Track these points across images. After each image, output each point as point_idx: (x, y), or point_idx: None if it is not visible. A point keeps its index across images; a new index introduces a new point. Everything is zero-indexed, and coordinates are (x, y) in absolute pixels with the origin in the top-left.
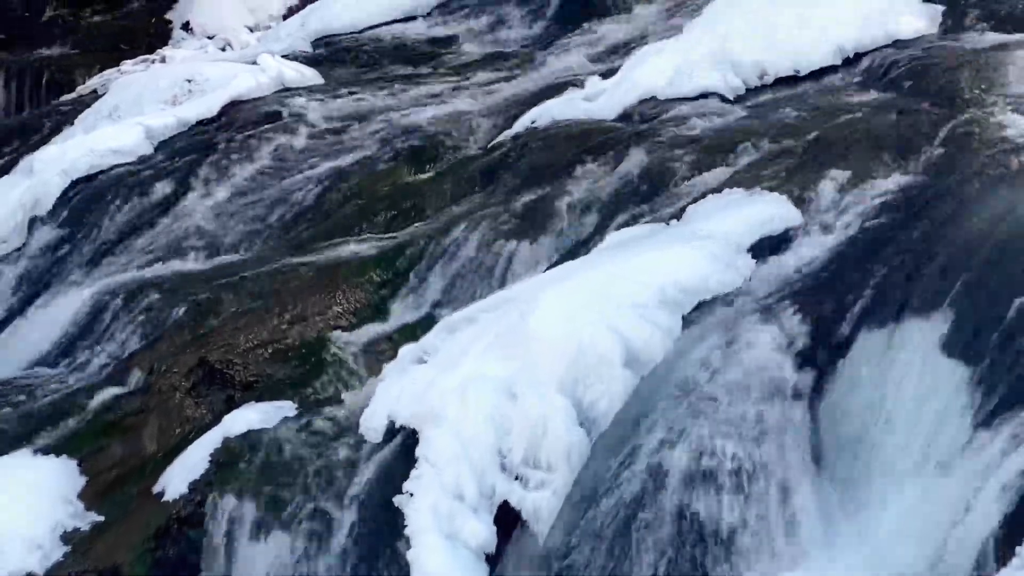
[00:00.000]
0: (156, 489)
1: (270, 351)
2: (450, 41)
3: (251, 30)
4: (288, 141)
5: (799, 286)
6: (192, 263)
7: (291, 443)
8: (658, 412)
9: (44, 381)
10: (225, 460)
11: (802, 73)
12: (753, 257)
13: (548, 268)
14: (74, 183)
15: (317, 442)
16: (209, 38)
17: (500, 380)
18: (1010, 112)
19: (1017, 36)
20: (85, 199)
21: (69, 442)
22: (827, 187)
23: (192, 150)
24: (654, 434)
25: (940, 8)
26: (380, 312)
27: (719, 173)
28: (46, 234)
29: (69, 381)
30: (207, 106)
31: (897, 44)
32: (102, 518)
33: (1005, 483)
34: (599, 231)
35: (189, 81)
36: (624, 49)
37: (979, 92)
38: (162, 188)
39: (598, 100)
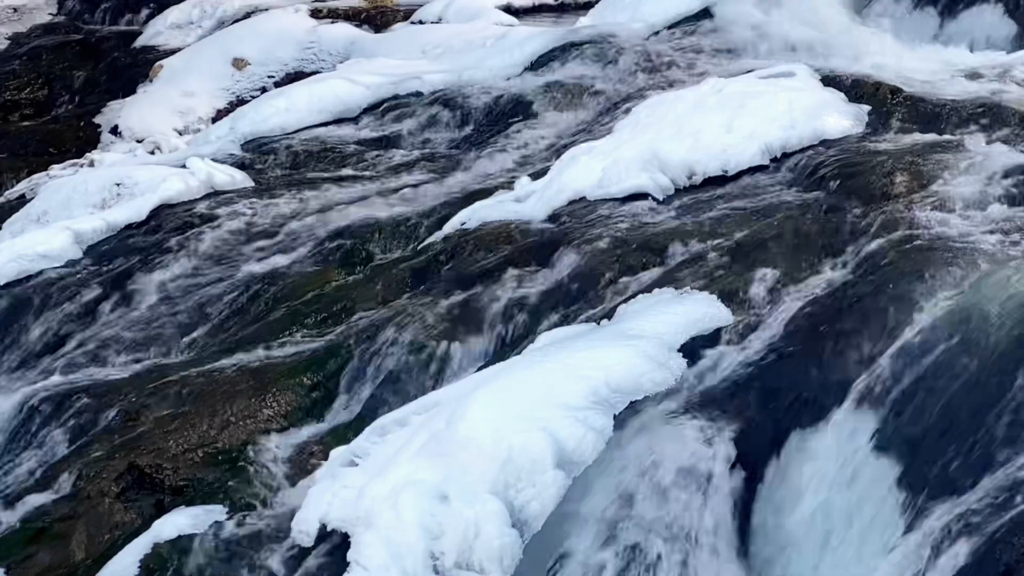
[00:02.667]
0: None
1: (200, 455)
2: (380, 143)
3: (180, 133)
4: (218, 244)
5: (729, 385)
6: (121, 367)
7: (222, 547)
8: (589, 513)
9: None
10: (155, 566)
11: (730, 173)
12: (684, 356)
13: (480, 369)
14: (2, 288)
15: (248, 546)
16: (138, 141)
17: (432, 483)
18: (935, 210)
19: (941, 136)
20: (13, 304)
21: None
22: (756, 286)
23: (121, 254)
24: (584, 535)
25: (866, 108)
26: (311, 415)
27: (649, 273)
28: None
29: None
30: (136, 210)
31: (824, 144)
32: None
33: None
34: (530, 331)
35: (118, 185)
36: (554, 150)
37: (905, 191)
38: (91, 292)
39: (528, 201)
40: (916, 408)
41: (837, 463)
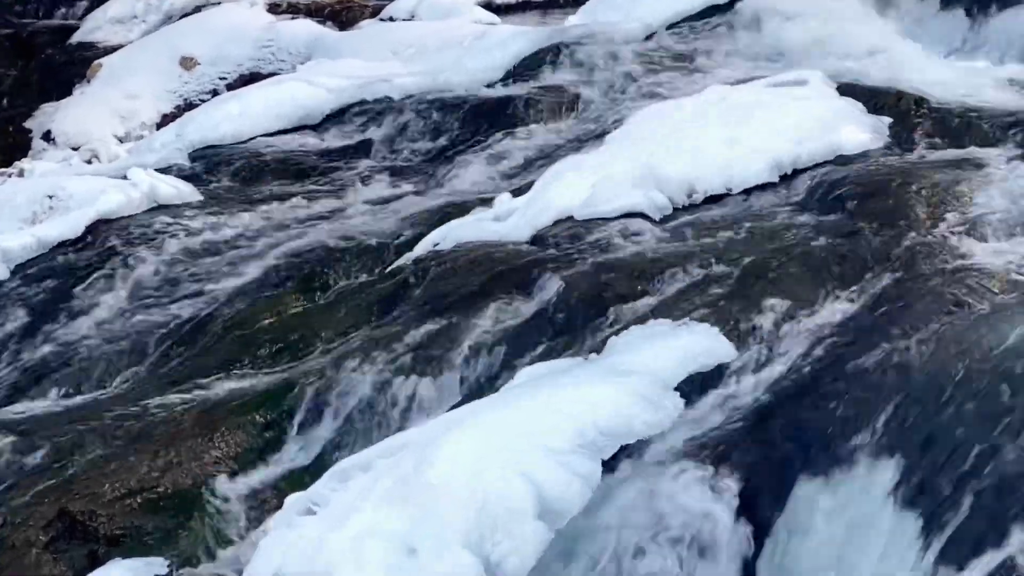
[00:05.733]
0: None
1: (139, 500)
2: (344, 154)
3: (121, 140)
4: (161, 264)
5: (732, 428)
6: (53, 401)
7: None
8: (573, 569)
9: None
10: None
11: (735, 191)
12: (682, 396)
13: (452, 407)
14: None
15: None
16: (74, 149)
17: (398, 533)
18: (964, 235)
19: (971, 151)
20: None
21: None
22: (763, 318)
23: (54, 274)
24: None
25: (887, 120)
26: (264, 457)
27: (643, 302)
28: None
29: None
30: (70, 225)
31: (840, 159)
32: None
33: None
34: (509, 366)
35: (50, 197)
36: (537, 164)
37: (930, 212)
38: (19, 316)
39: (508, 220)
40: (940, 456)
41: (853, 515)
